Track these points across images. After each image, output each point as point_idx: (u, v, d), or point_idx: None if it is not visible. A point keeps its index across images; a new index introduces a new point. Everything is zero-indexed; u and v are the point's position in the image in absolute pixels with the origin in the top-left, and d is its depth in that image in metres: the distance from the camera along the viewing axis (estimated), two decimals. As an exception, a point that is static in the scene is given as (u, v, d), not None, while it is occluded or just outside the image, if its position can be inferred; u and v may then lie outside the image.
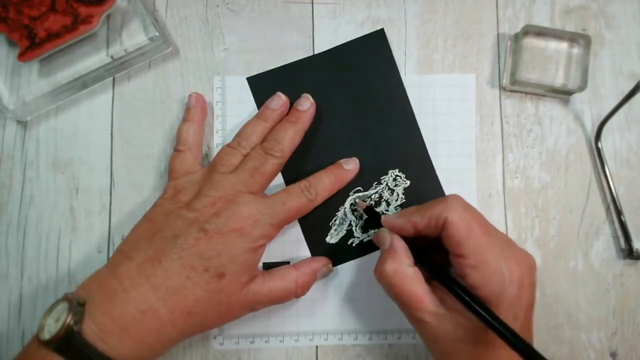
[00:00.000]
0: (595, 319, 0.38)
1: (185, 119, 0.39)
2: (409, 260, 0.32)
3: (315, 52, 0.41)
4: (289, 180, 0.39)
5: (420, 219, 0.32)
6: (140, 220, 0.34)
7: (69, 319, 0.28)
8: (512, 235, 0.39)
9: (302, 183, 0.36)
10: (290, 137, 0.37)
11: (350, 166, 0.38)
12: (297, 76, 0.40)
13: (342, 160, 0.39)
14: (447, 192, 0.39)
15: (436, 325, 0.30)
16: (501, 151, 0.40)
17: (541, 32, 0.40)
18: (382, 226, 0.34)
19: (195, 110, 0.39)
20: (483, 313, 0.27)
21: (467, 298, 0.28)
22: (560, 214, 0.39)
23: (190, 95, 0.39)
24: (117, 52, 0.40)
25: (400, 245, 0.32)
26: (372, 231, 0.39)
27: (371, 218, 0.38)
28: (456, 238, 0.30)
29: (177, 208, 0.34)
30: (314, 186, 0.36)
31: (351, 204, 0.39)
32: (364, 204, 0.38)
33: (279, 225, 0.35)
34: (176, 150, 0.38)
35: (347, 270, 0.39)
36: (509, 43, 0.41)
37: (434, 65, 0.41)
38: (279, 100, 0.38)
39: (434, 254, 0.33)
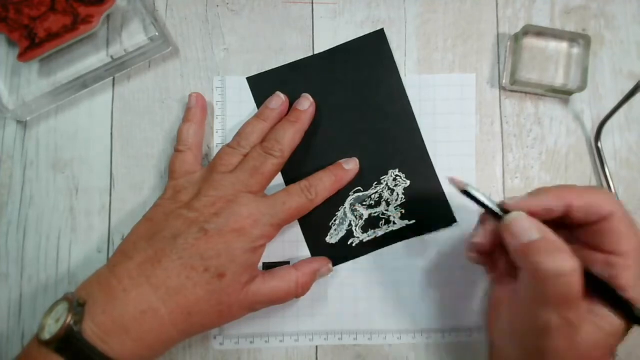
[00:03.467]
0: (595, 319, 0.38)
1: (185, 119, 0.39)
2: (573, 255, 0.26)
3: (315, 52, 0.41)
4: (289, 180, 0.39)
5: (577, 199, 0.28)
6: (141, 220, 0.35)
7: (69, 319, 0.28)
8: (512, 235, 0.39)
9: (303, 183, 0.36)
10: (290, 137, 0.37)
11: (351, 166, 0.38)
12: (297, 76, 0.40)
13: (343, 161, 0.39)
14: (447, 192, 0.39)
15: (579, 327, 0.26)
16: (501, 151, 0.40)
17: (541, 32, 0.40)
18: (497, 211, 0.29)
19: (196, 111, 0.39)
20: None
21: (629, 303, 0.27)
22: (560, 214, 0.39)
23: (190, 96, 0.39)
24: (117, 52, 0.40)
25: (556, 237, 0.27)
26: (372, 231, 0.39)
27: (474, 200, 0.30)
28: (619, 234, 0.28)
29: (178, 208, 0.34)
30: (314, 186, 0.36)
31: (351, 207, 0.39)
32: (462, 182, 0.31)
33: (279, 226, 0.35)
34: (177, 150, 0.38)
35: (347, 270, 0.39)
36: (509, 43, 0.41)
37: (434, 65, 0.41)
38: (279, 100, 0.38)
39: None
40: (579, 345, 0.26)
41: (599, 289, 0.27)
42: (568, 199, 0.28)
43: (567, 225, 0.30)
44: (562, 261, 0.26)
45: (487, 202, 0.29)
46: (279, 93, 0.39)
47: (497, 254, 0.32)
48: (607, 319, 0.27)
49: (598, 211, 0.28)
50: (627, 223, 0.28)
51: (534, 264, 0.26)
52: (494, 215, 0.29)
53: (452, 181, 0.31)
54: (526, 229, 0.27)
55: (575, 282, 0.26)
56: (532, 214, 0.28)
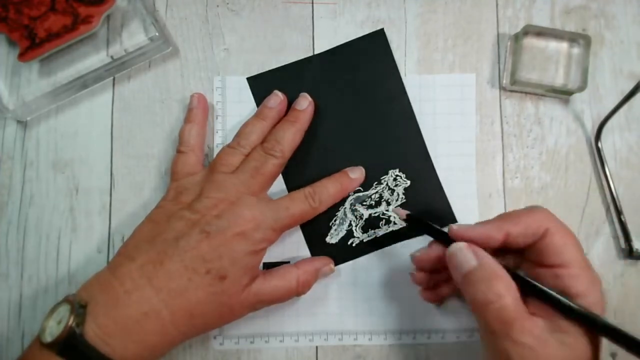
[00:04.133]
0: (595, 319, 0.38)
1: (187, 120, 0.38)
2: (509, 278, 0.28)
3: (315, 52, 0.41)
4: (290, 180, 0.39)
5: (513, 226, 0.29)
6: (143, 221, 0.34)
7: (71, 321, 0.28)
8: (512, 235, 0.39)
9: (307, 190, 0.36)
10: (290, 137, 0.37)
11: (356, 175, 0.38)
12: (297, 76, 0.40)
13: (348, 169, 0.38)
14: (447, 192, 0.39)
15: (537, 347, 0.26)
16: (501, 151, 0.40)
17: (541, 32, 0.40)
18: (441, 238, 0.31)
19: (197, 111, 0.38)
20: (607, 324, 0.26)
21: (583, 311, 0.27)
22: (560, 214, 0.39)
23: (192, 96, 0.39)
24: (117, 52, 0.40)
25: (494, 262, 0.28)
26: (372, 231, 0.39)
27: (422, 229, 0.33)
28: (558, 247, 0.29)
29: (179, 209, 0.34)
30: (318, 194, 0.36)
31: (351, 206, 0.39)
32: (404, 212, 0.34)
33: (281, 230, 0.35)
34: (178, 151, 0.37)
35: (347, 270, 0.39)
36: (509, 43, 0.41)
37: (434, 65, 0.41)
38: (277, 98, 0.38)
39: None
40: None
41: (554, 303, 0.28)
42: (505, 227, 0.30)
43: (518, 249, 0.31)
44: (488, 288, 0.27)
45: (435, 230, 0.32)
46: (276, 91, 0.39)
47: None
48: (570, 331, 0.27)
49: (534, 232, 0.29)
50: (563, 235, 0.29)
51: (470, 294, 0.28)
52: (441, 242, 0.31)
53: (395, 211, 0.35)
54: (467, 259, 0.29)
55: (507, 305, 0.27)
56: (475, 243, 0.29)
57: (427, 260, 0.33)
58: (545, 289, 0.28)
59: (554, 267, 0.29)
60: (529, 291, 0.29)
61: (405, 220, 0.35)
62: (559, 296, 0.28)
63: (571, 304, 0.27)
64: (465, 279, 0.29)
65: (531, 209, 0.31)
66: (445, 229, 0.32)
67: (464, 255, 0.29)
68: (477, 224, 0.31)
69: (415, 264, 0.34)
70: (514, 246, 0.30)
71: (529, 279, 0.29)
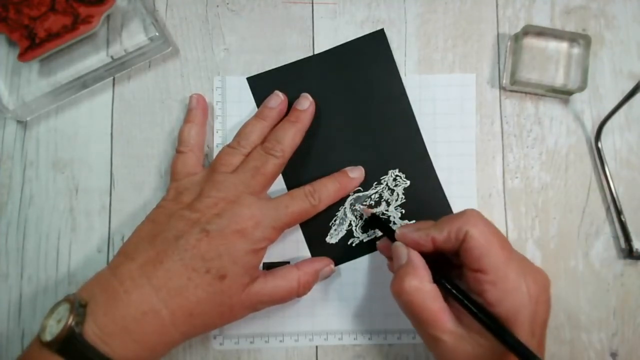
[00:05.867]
0: (595, 319, 0.38)
1: (187, 120, 0.38)
2: (429, 277, 0.30)
3: (315, 52, 0.41)
4: (290, 179, 0.39)
5: (439, 233, 0.31)
6: (143, 221, 0.34)
7: (71, 321, 0.28)
8: (512, 235, 0.39)
9: (307, 188, 0.36)
10: (290, 137, 0.37)
11: (356, 175, 0.38)
12: (297, 76, 0.40)
13: (348, 168, 0.39)
14: (447, 192, 0.39)
15: (454, 345, 0.29)
16: (501, 151, 0.40)
17: (541, 32, 0.40)
18: (390, 236, 0.34)
19: (197, 112, 0.38)
20: (505, 335, 0.27)
21: (484, 317, 0.28)
22: (560, 214, 0.39)
23: (191, 97, 0.39)
24: (117, 52, 0.40)
25: (419, 261, 0.31)
26: (372, 231, 0.39)
27: (377, 226, 0.38)
28: (476, 252, 0.29)
29: (179, 209, 0.34)
30: (318, 192, 0.36)
31: (351, 206, 0.39)
32: (369, 211, 0.38)
33: (281, 229, 0.35)
34: (178, 151, 0.37)
35: (347, 270, 0.39)
36: (509, 43, 0.41)
37: (434, 65, 0.41)
38: (277, 98, 0.38)
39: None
40: (457, 359, 0.29)
41: (464, 307, 0.29)
42: (431, 234, 0.31)
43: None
44: (408, 281, 0.30)
45: (386, 228, 0.35)
46: (277, 92, 0.39)
47: None
48: (486, 334, 0.28)
49: (457, 236, 0.30)
50: (486, 239, 0.29)
51: (396, 285, 0.31)
52: (390, 239, 0.35)
53: (363, 210, 0.38)
54: (401, 255, 0.32)
55: (420, 299, 0.29)
56: (409, 245, 0.32)
57: (385, 249, 0.36)
58: (455, 292, 0.30)
59: (475, 271, 0.29)
60: (447, 291, 0.30)
61: (369, 217, 0.38)
62: (465, 301, 0.29)
63: (475, 310, 0.28)
64: (397, 270, 0.32)
65: (460, 213, 0.31)
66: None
67: (400, 251, 0.32)
68: (415, 229, 0.32)
69: (379, 251, 0.37)
70: (446, 250, 0.31)
71: (444, 281, 0.30)
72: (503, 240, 0.30)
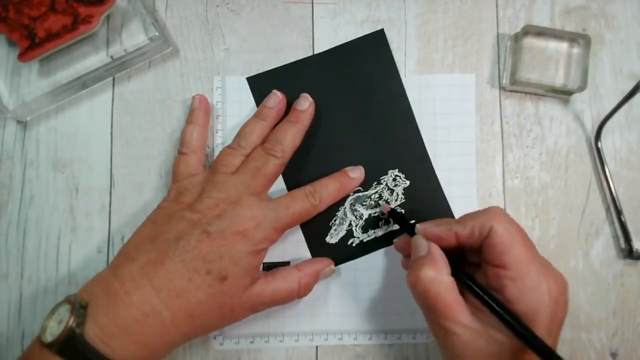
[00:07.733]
0: (595, 319, 0.38)
1: (189, 122, 0.38)
2: (447, 270, 0.30)
3: (315, 52, 0.41)
4: (290, 180, 0.39)
5: (462, 228, 0.31)
6: (144, 222, 0.34)
7: (72, 321, 0.28)
8: (512, 235, 0.39)
9: (307, 188, 0.36)
10: (290, 137, 0.37)
11: (356, 174, 0.38)
12: (296, 76, 0.40)
13: (348, 168, 0.39)
14: (447, 192, 0.39)
15: (468, 339, 0.28)
16: (501, 151, 0.40)
17: (541, 32, 0.40)
18: (410, 231, 0.34)
19: (199, 113, 0.38)
20: (525, 332, 0.27)
21: (504, 313, 0.27)
22: (560, 214, 0.39)
23: (193, 97, 0.39)
24: (117, 52, 0.40)
25: (439, 254, 0.31)
26: (372, 231, 0.39)
27: (397, 222, 0.38)
28: (500, 248, 0.29)
29: (180, 210, 0.34)
30: (318, 192, 0.36)
31: (351, 206, 0.39)
32: (388, 206, 0.38)
33: (282, 229, 0.35)
34: (180, 152, 0.37)
35: (347, 270, 0.39)
36: (509, 43, 0.41)
37: (434, 65, 0.41)
38: (276, 98, 0.38)
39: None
40: (471, 355, 0.28)
41: (482, 302, 0.29)
42: (454, 229, 0.31)
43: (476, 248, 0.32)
44: (425, 271, 0.30)
45: (406, 223, 0.36)
46: (275, 91, 0.39)
47: None
48: (502, 329, 0.28)
49: (480, 231, 0.30)
50: (510, 236, 0.29)
51: (413, 276, 0.30)
52: (409, 233, 0.35)
53: (382, 207, 0.38)
54: (420, 247, 0.32)
55: (435, 290, 0.29)
56: (430, 239, 0.32)
57: (403, 245, 0.36)
58: (474, 287, 0.29)
59: (497, 266, 0.29)
60: (465, 286, 0.30)
61: (388, 213, 0.38)
62: (485, 296, 0.29)
63: (495, 306, 0.28)
64: (415, 261, 0.31)
65: (484, 210, 0.31)
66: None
67: (420, 243, 0.32)
68: (437, 224, 0.33)
69: (396, 248, 0.37)
70: (468, 246, 0.31)
71: (462, 275, 0.30)
72: (526, 239, 0.30)
